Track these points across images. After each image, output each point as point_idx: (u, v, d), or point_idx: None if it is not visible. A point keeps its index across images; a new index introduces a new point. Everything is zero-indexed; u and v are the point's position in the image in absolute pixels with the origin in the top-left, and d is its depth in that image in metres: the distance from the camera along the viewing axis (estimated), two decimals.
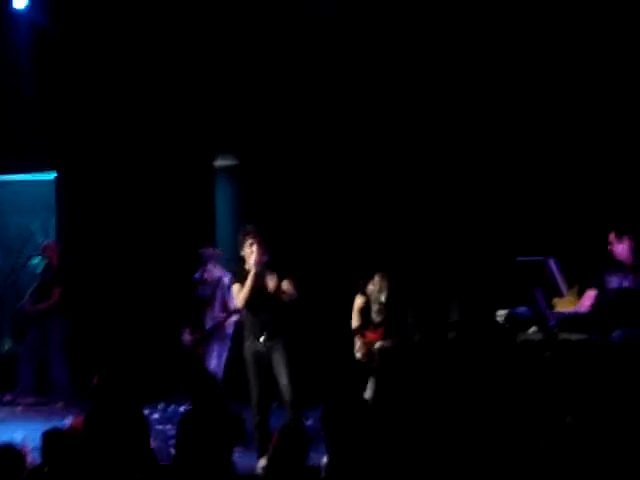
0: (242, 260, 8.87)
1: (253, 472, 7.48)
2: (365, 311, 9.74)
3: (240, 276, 8.87)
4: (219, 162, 12.52)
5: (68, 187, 12.74)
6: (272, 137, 11.91)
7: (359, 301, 9.77)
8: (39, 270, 12.88)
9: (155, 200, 12.23)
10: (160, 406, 11.10)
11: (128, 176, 12.34)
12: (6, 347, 13.31)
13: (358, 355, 9.68)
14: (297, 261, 10.77)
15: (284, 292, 8.73)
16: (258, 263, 8.75)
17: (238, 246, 8.88)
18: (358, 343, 9.73)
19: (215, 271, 10.99)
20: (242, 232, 8.91)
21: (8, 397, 11.89)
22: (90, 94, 12.25)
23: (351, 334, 9.75)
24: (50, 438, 6.70)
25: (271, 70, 11.71)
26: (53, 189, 13.09)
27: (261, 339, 8.80)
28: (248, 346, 8.90)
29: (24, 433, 8.65)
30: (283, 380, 8.74)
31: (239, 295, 8.86)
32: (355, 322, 9.77)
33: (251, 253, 8.78)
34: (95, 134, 12.32)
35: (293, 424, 8.34)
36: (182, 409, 10.82)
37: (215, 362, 10.68)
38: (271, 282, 8.74)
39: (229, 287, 10.26)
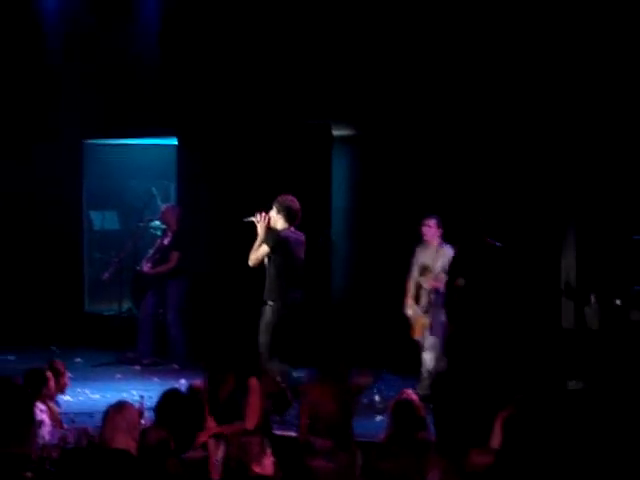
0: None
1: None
2: None
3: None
4: (337, 131, 12.53)
5: (189, 152, 12.90)
6: (392, 107, 11.86)
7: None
8: (158, 234, 13.15)
9: (272, 168, 12.31)
10: None
11: (247, 143, 12.44)
12: (125, 308, 13.60)
13: None
14: (411, 232, 10.79)
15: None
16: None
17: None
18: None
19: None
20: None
21: (130, 355, 12.20)
22: (213, 61, 12.38)
23: None
24: (168, 398, 6.85)
25: (393, 37, 11.65)
26: (174, 154, 13.29)
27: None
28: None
29: (141, 392, 8.85)
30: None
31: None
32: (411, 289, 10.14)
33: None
34: (216, 101, 12.45)
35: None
36: (295, 375, 10.97)
37: None
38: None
39: None
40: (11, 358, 12.14)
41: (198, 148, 12.71)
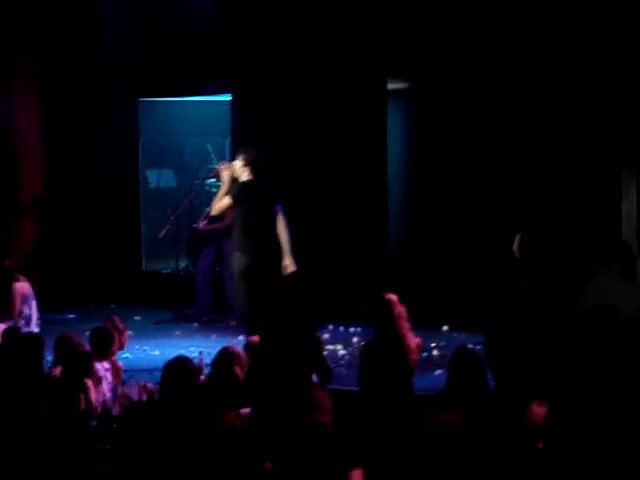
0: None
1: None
2: None
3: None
4: (392, 85, 12.43)
5: (244, 109, 12.85)
6: (446, 60, 11.72)
7: None
8: (214, 191, 13.14)
9: (328, 122, 12.26)
10: (330, 326, 11.22)
11: (302, 98, 12.38)
12: (182, 265, 13.66)
13: None
14: (466, 187, 10.72)
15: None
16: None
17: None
18: None
19: None
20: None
21: (188, 312, 12.27)
22: (267, 15, 12.29)
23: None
24: (225, 355, 6.86)
25: None
26: (229, 111, 13.27)
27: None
28: None
29: (200, 349, 8.90)
30: None
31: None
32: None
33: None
34: (271, 56, 12.38)
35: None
36: (352, 330, 10.97)
37: None
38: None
39: None
40: (71, 317, 12.27)
41: (252, 104, 12.66)
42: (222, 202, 9.69)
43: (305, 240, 12.24)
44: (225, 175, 9.75)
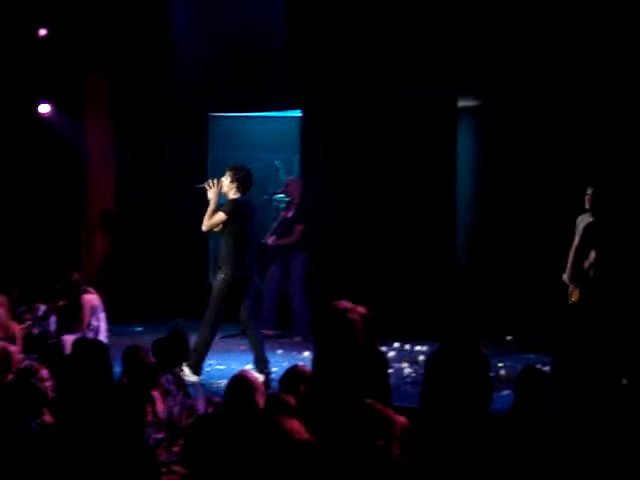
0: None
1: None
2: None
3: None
4: (462, 103, 12.39)
5: (313, 125, 12.89)
6: (516, 78, 11.69)
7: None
8: (282, 206, 13.18)
9: (396, 140, 12.25)
10: (396, 344, 11.18)
11: (372, 115, 12.39)
12: None
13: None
14: (536, 204, 10.64)
15: None
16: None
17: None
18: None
19: None
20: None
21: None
22: (337, 33, 12.31)
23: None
24: (292, 374, 6.84)
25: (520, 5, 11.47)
26: (298, 126, 13.29)
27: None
28: None
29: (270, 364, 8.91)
30: None
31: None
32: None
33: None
34: (341, 73, 12.41)
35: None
36: (418, 348, 10.92)
37: None
38: None
39: None
40: (138, 329, 12.36)
41: (322, 120, 12.69)
42: (214, 218, 9.78)
43: (373, 257, 12.27)
44: (212, 192, 9.82)
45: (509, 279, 11.63)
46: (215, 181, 9.81)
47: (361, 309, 6.97)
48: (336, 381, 6.70)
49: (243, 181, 9.80)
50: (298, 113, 13.23)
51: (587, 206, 9.76)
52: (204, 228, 9.91)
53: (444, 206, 12.20)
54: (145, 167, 13.51)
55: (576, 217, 9.52)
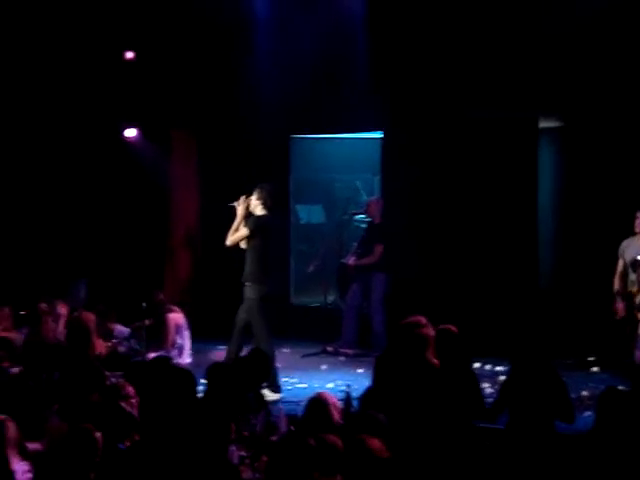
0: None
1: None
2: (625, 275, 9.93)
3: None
4: (543, 123, 12.37)
5: (394, 146, 12.94)
6: (597, 99, 11.64)
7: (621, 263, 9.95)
8: (362, 227, 13.27)
9: (478, 160, 12.26)
10: (476, 364, 11.15)
11: (452, 136, 12.41)
12: (331, 299, 13.78)
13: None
14: (617, 224, 10.57)
15: None
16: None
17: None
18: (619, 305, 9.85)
19: None
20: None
21: (329, 348, 12.38)
22: (419, 56, 12.36)
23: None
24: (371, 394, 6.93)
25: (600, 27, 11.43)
26: (379, 147, 13.38)
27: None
28: None
29: (347, 382, 8.97)
30: None
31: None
32: (617, 285, 9.94)
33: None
34: (422, 95, 12.43)
35: None
36: (499, 368, 10.89)
37: None
38: None
39: None
40: (221, 348, 12.50)
41: (403, 141, 12.74)
42: (237, 234, 10.13)
43: (453, 277, 12.27)
44: (240, 209, 10.12)
45: (592, 299, 11.55)
46: (244, 198, 10.10)
47: (451, 327, 7.10)
48: (397, 394, 6.81)
49: (269, 198, 10.14)
50: (379, 134, 13.30)
51: (637, 230, 9.74)
52: (228, 243, 10.25)
53: (526, 227, 12.17)
54: (228, 188, 13.67)
55: None
